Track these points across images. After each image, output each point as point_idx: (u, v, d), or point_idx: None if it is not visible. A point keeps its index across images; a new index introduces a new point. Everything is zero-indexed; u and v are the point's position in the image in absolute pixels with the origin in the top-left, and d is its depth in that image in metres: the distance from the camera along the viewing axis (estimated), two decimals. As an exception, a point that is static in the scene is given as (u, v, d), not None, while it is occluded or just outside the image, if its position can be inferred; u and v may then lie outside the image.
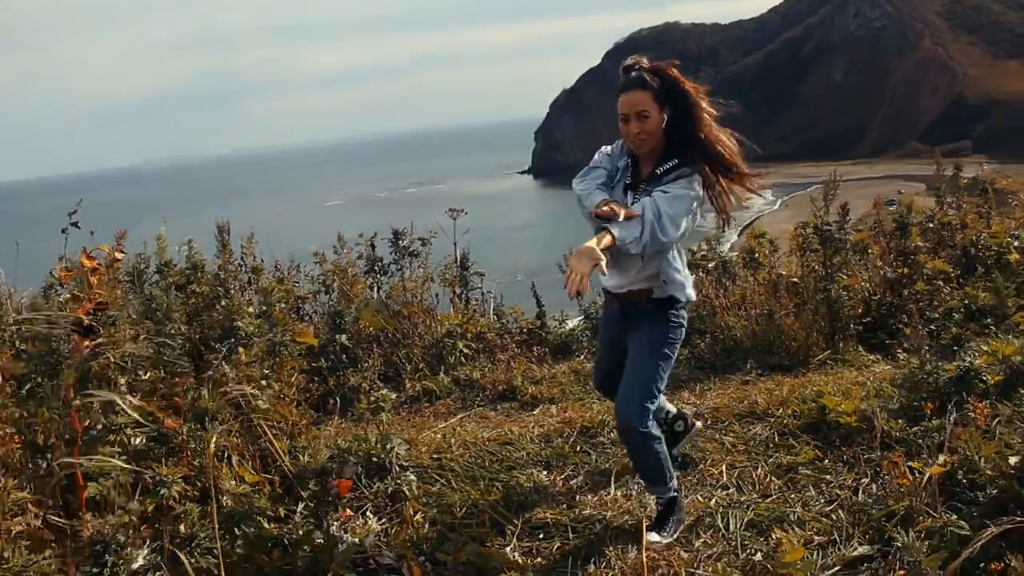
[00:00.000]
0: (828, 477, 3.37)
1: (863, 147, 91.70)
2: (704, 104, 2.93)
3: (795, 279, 5.52)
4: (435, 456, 3.83)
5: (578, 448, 3.92)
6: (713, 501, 3.30)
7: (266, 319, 3.85)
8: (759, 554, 2.86)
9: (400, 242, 5.83)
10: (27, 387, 2.93)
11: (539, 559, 2.98)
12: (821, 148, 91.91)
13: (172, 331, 3.29)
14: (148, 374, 2.98)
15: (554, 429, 4.16)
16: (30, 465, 2.47)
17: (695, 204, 2.92)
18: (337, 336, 5.02)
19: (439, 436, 4.11)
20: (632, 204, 2.91)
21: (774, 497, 3.29)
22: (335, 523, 2.83)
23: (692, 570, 2.85)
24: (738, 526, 3.08)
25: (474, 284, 5.96)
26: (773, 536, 2.98)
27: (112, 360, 3.06)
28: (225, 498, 2.68)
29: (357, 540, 2.83)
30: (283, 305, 4.33)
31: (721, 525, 3.10)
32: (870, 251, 5.61)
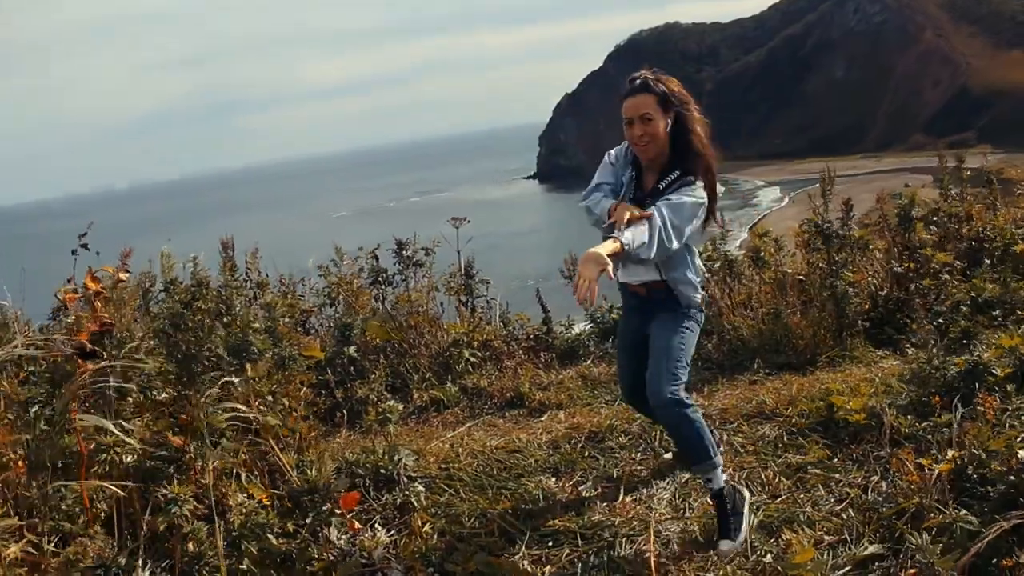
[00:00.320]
0: (837, 476, 3.36)
1: (867, 142, 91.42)
2: (700, 119, 3.06)
3: (801, 277, 5.50)
4: (443, 466, 3.83)
5: (586, 454, 3.91)
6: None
7: (270, 334, 3.86)
8: (769, 555, 2.85)
9: (404, 252, 5.84)
10: (33, 411, 2.95)
11: (549, 567, 2.98)
12: (826, 144, 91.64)
13: (191, 349, 3.29)
14: (153, 393, 2.98)
15: (562, 435, 4.15)
16: (26, 491, 2.47)
17: (700, 209, 2.98)
18: (344, 348, 5.02)
19: (447, 446, 4.10)
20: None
21: (784, 497, 3.27)
22: (343, 536, 2.83)
23: (702, 574, 2.84)
24: (748, 528, 3.06)
25: (479, 292, 5.95)
26: (783, 537, 2.96)
27: (118, 381, 3.08)
28: (232, 515, 2.68)
29: (365, 553, 2.83)
30: (287, 320, 4.34)
31: (731, 527, 3.08)
32: (872, 246, 5.58)
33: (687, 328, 3.12)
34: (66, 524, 2.67)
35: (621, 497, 3.43)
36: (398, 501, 3.42)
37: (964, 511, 2.74)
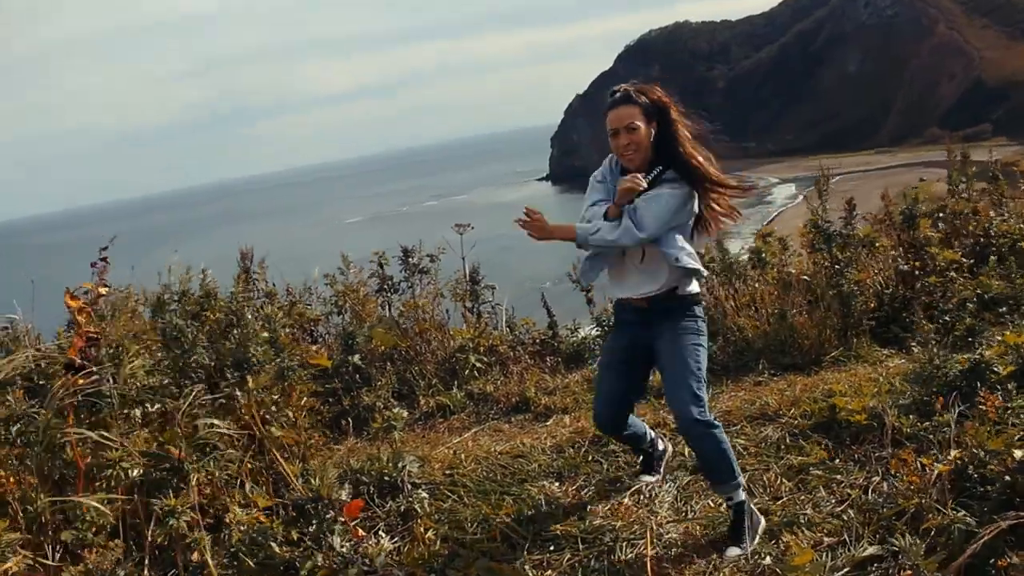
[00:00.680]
0: (839, 477, 3.36)
1: (881, 136, 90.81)
2: (683, 122, 3.10)
3: (806, 276, 5.50)
4: (448, 472, 3.86)
5: (590, 458, 3.93)
6: (724, 507, 3.29)
7: (272, 345, 3.90)
8: (768, 558, 2.86)
9: (410, 259, 5.87)
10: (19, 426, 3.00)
11: (550, 572, 3.00)
12: (839, 139, 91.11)
13: (194, 361, 3.34)
14: (147, 406, 3.03)
15: (566, 439, 4.18)
16: (23, 507, 2.52)
17: (678, 200, 3.04)
18: (350, 357, 5.06)
19: (452, 452, 4.13)
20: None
21: (785, 499, 3.28)
22: (347, 544, 2.86)
23: (701, 577, 2.85)
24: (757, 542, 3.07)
25: (485, 298, 5.98)
26: (784, 539, 2.97)
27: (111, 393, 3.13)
28: (234, 525, 2.72)
29: (368, 560, 2.86)
30: (288, 330, 4.38)
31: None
32: (878, 244, 5.56)
33: (699, 343, 3.13)
34: (68, 537, 2.72)
35: (623, 501, 3.44)
36: (402, 508, 3.45)
37: (963, 511, 2.74)
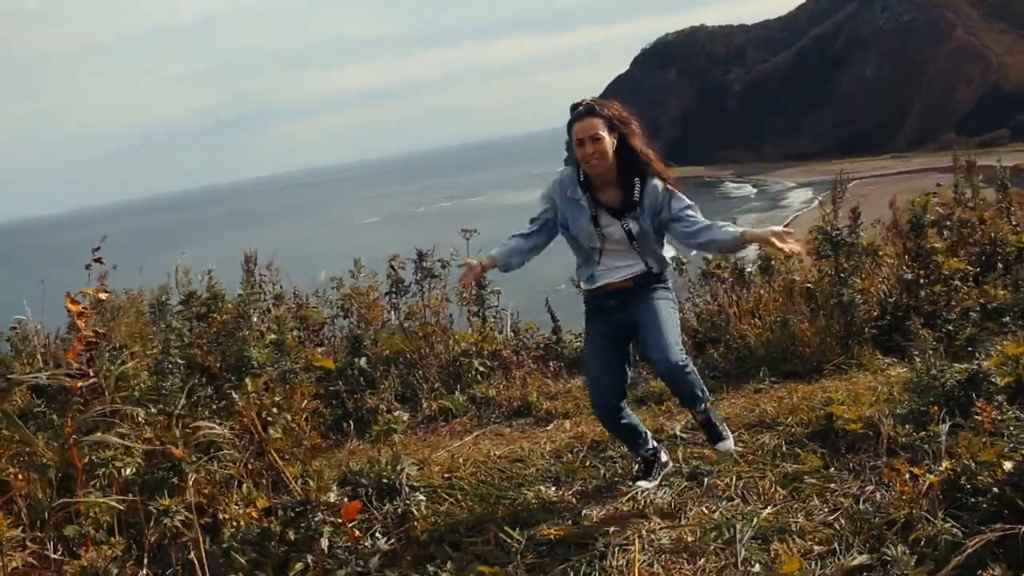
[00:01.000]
0: (832, 486, 3.37)
1: (898, 141, 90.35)
2: (638, 132, 3.45)
3: (809, 284, 5.50)
4: (446, 475, 3.90)
5: (587, 463, 3.96)
6: (718, 513, 3.32)
7: (277, 347, 3.96)
8: (758, 565, 2.88)
9: (424, 263, 5.91)
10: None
11: (542, 576, 3.03)
12: (856, 144, 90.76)
13: (174, 361, 3.40)
14: (148, 407, 3.09)
15: (565, 444, 4.21)
16: (34, 503, 2.59)
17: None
18: (355, 360, 5.12)
19: (451, 455, 4.17)
20: (625, 228, 3.42)
21: (778, 507, 3.29)
22: (341, 545, 2.91)
23: (690, 583, 2.88)
24: (741, 537, 3.09)
25: (491, 303, 6.02)
26: (774, 547, 2.99)
27: (127, 395, 3.20)
28: (228, 524, 2.77)
29: (362, 561, 2.90)
30: (295, 333, 4.44)
31: (726, 538, 3.11)
32: (881, 252, 5.56)
33: (672, 306, 3.58)
34: (71, 532, 2.78)
35: (618, 506, 3.47)
36: (399, 510, 3.49)
37: (952, 522, 2.75)
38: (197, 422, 3.22)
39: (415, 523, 3.37)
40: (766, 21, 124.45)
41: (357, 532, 3.26)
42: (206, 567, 2.46)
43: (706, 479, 3.62)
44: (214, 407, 3.63)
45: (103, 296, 3.19)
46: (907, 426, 3.60)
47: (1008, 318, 4.99)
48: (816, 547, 2.96)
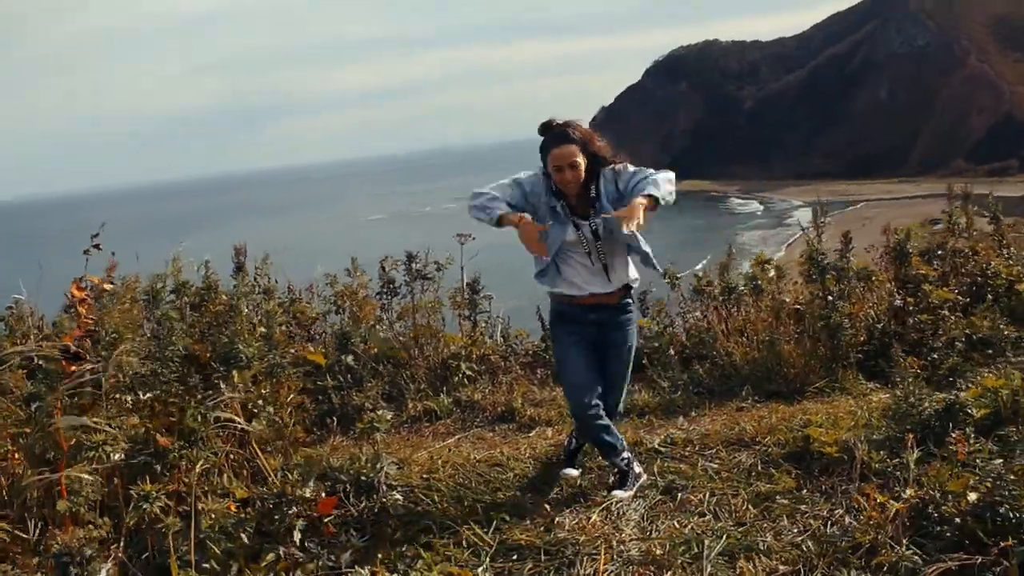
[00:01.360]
0: (804, 507, 3.42)
1: (908, 165, 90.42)
2: (602, 143, 3.67)
3: (798, 306, 5.55)
4: (425, 476, 3.95)
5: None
6: (689, 528, 3.36)
7: (266, 341, 4.01)
8: (722, 582, 2.92)
9: (413, 265, 5.97)
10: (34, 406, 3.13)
11: (508, 581, 3.08)
12: (867, 165, 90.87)
13: (173, 353, 3.45)
14: (138, 393, 3.14)
15: (545, 452, 4.26)
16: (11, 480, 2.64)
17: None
18: (343, 357, 5.17)
19: (432, 456, 4.22)
20: (592, 228, 3.61)
21: (748, 526, 3.33)
22: (314, 539, 2.96)
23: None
24: (708, 553, 3.14)
25: (482, 308, 6.07)
26: (740, 565, 3.03)
27: (117, 381, 3.25)
28: (205, 513, 2.83)
29: (333, 557, 2.95)
30: (285, 327, 4.49)
31: (694, 552, 3.15)
32: (873, 278, 5.61)
33: (634, 345, 3.87)
34: (63, 507, 2.83)
35: (591, 517, 3.51)
36: (375, 508, 3.54)
37: (915, 550, 2.80)
38: (185, 411, 3.27)
39: (390, 521, 3.42)
40: (781, 39, 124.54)
41: (332, 527, 3.32)
42: (191, 552, 2.51)
43: (680, 493, 3.66)
44: (200, 396, 3.68)
45: (108, 287, 3.24)
46: (882, 452, 3.64)
47: (991, 351, 5.03)
48: (781, 567, 3.00)
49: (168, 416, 3.32)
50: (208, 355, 4.46)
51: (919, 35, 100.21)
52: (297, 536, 2.82)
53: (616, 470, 3.79)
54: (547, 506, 3.63)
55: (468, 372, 5.42)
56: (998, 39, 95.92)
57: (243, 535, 2.86)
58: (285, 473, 3.56)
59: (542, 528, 3.42)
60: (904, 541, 2.89)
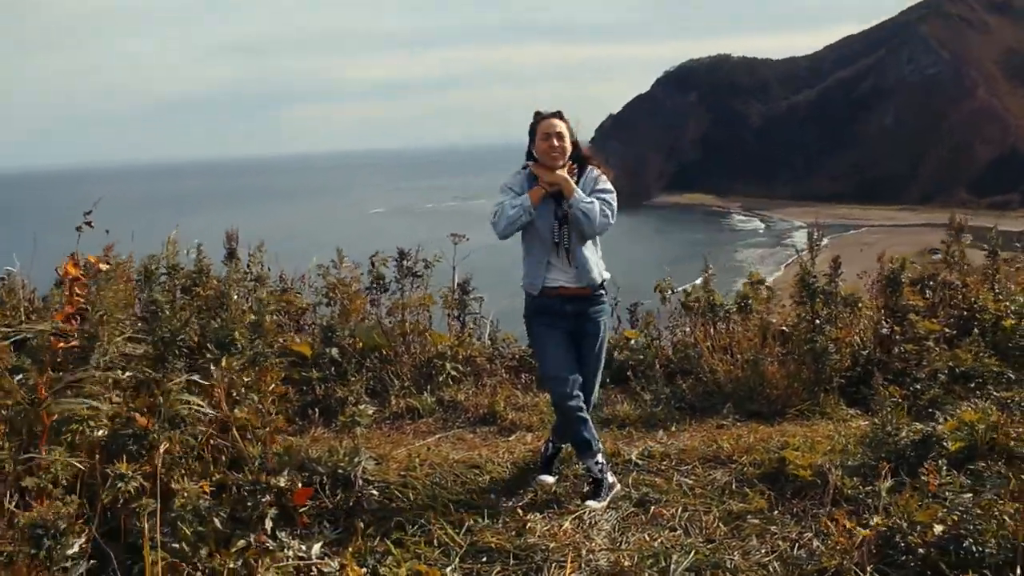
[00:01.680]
0: (774, 528, 3.45)
1: (911, 193, 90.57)
2: (588, 148, 4.02)
3: (784, 328, 5.58)
4: (402, 473, 3.98)
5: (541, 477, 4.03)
6: (658, 542, 3.39)
7: (254, 329, 4.03)
8: (685, 598, 2.95)
9: (404, 263, 5.99)
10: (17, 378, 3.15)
11: (475, 582, 3.10)
12: (869, 191, 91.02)
13: (158, 336, 3.47)
14: (119, 373, 3.17)
15: (523, 456, 4.29)
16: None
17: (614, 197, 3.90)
18: (328, 349, 5.19)
19: (410, 454, 4.25)
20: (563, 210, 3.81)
21: (717, 543, 3.36)
22: (285, 530, 2.99)
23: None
24: (676, 568, 3.17)
25: (472, 309, 6.09)
26: (704, 581, 3.07)
27: (100, 360, 3.27)
28: (179, 495, 2.84)
29: (304, 547, 2.98)
30: (274, 316, 4.51)
31: (661, 566, 3.18)
32: (861, 304, 5.65)
33: (606, 337, 4.05)
34: (30, 483, 2.85)
35: (563, 524, 3.54)
36: (350, 502, 3.57)
37: (877, 578, 2.84)
38: (170, 393, 3.29)
39: (363, 516, 3.44)
40: (793, 58, 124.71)
41: (306, 518, 3.35)
42: (151, 533, 2.53)
43: (652, 507, 3.70)
44: (180, 380, 3.70)
45: (104, 267, 3.26)
46: (855, 479, 3.68)
47: (973, 384, 5.07)
48: (745, 586, 3.03)
49: (150, 397, 3.34)
50: (197, 339, 4.49)
51: (930, 64, 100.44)
52: (269, 524, 2.84)
53: (591, 479, 3.82)
54: (520, 511, 3.66)
55: (453, 372, 5.44)
56: (1007, 72, 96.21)
57: (216, 520, 2.88)
58: (263, 461, 3.59)
59: (513, 532, 3.45)
60: (868, 568, 2.93)
